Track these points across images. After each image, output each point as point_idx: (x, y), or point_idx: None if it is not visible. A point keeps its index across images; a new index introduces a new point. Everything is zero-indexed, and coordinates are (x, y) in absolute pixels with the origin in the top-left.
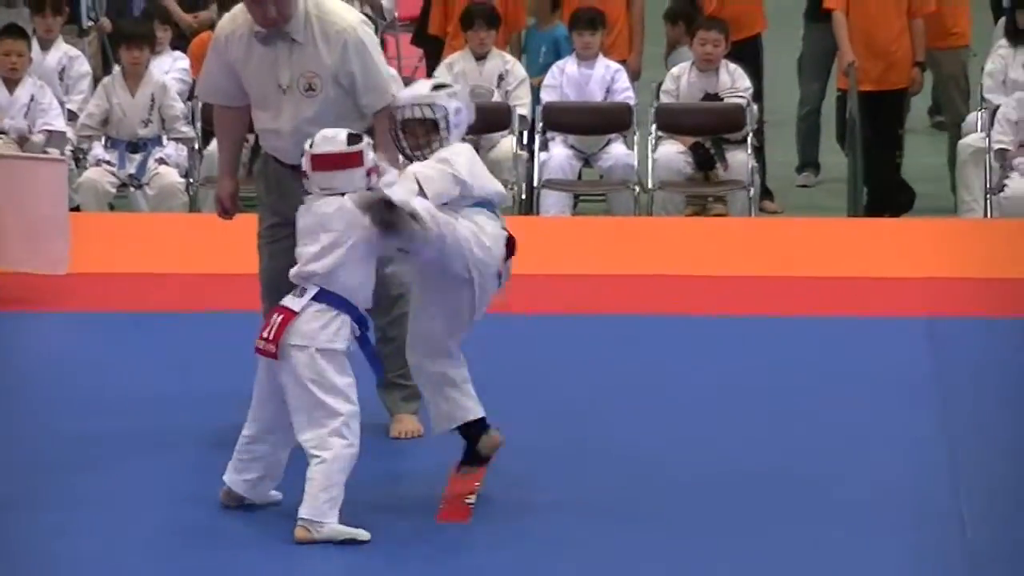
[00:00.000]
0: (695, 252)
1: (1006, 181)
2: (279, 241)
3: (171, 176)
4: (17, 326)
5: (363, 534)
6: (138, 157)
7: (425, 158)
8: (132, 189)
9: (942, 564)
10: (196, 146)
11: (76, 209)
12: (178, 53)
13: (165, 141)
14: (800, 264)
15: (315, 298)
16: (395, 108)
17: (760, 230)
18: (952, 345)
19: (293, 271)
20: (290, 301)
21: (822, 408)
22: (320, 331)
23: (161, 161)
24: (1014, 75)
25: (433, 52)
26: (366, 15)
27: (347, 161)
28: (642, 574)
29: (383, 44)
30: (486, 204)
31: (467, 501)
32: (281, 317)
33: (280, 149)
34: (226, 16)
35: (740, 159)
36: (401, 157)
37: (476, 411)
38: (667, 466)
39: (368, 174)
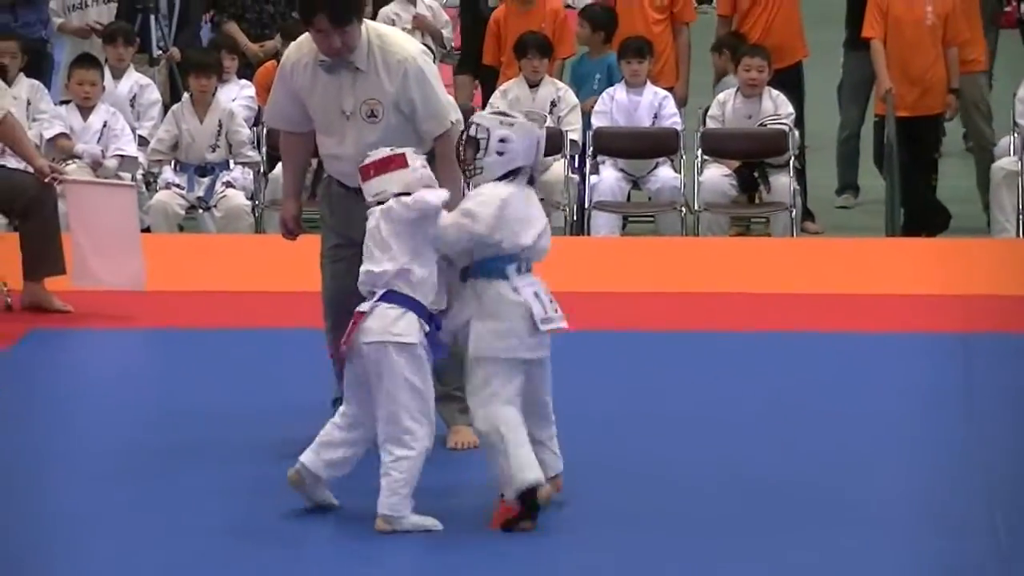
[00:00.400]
0: (739, 271)
1: None
2: (341, 261)
3: (238, 199)
4: (92, 341)
5: (437, 524)
6: (206, 181)
7: (470, 175)
8: (200, 211)
9: (976, 574)
10: (261, 170)
11: (147, 231)
12: (244, 81)
13: (232, 165)
14: (839, 282)
15: (383, 298)
16: (466, 126)
17: (801, 249)
18: (987, 361)
19: (360, 280)
20: (362, 305)
21: (860, 422)
22: (391, 325)
23: (228, 184)
24: None
25: (487, 81)
26: (426, 45)
27: (390, 164)
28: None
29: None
30: (510, 259)
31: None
32: (354, 322)
33: (343, 173)
34: (292, 45)
35: (783, 182)
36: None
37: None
38: (702, 478)
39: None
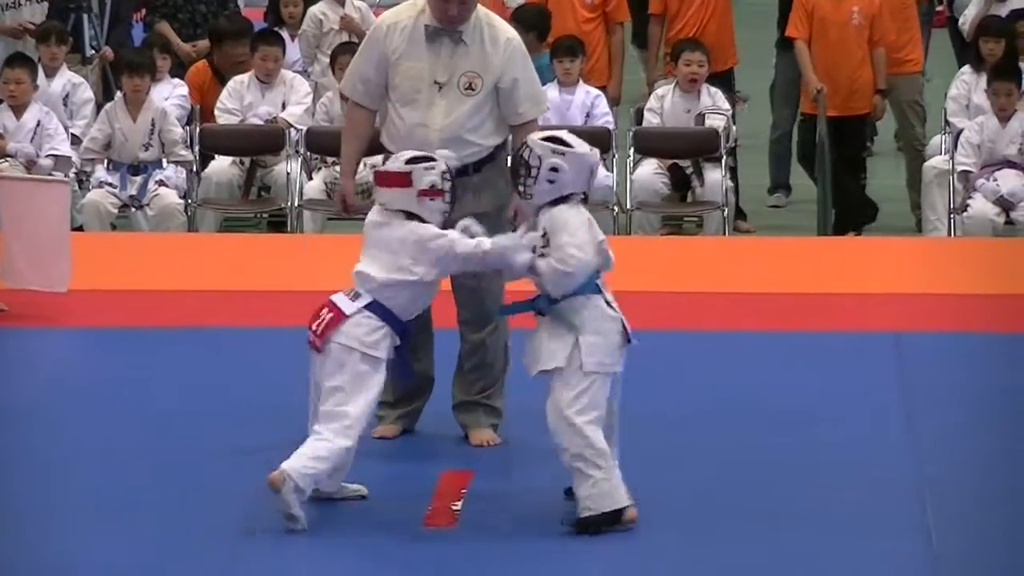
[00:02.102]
0: (671, 270)
1: (969, 202)
2: None
3: (170, 197)
4: (20, 341)
5: (296, 520)
6: (139, 179)
7: (521, 196)
8: (133, 210)
9: (908, 572)
10: (194, 169)
11: (79, 229)
12: (177, 80)
13: (165, 164)
14: (771, 281)
15: (368, 307)
16: (520, 146)
17: (734, 248)
18: (919, 360)
19: (355, 271)
20: (342, 301)
21: (791, 421)
22: (365, 336)
23: (161, 183)
24: (977, 100)
25: None
26: (355, 43)
27: (395, 180)
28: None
29: None
30: (597, 273)
31: (454, 507)
32: (331, 316)
33: (421, 146)
34: (389, 11)
35: (715, 179)
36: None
37: None
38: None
39: (420, 196)
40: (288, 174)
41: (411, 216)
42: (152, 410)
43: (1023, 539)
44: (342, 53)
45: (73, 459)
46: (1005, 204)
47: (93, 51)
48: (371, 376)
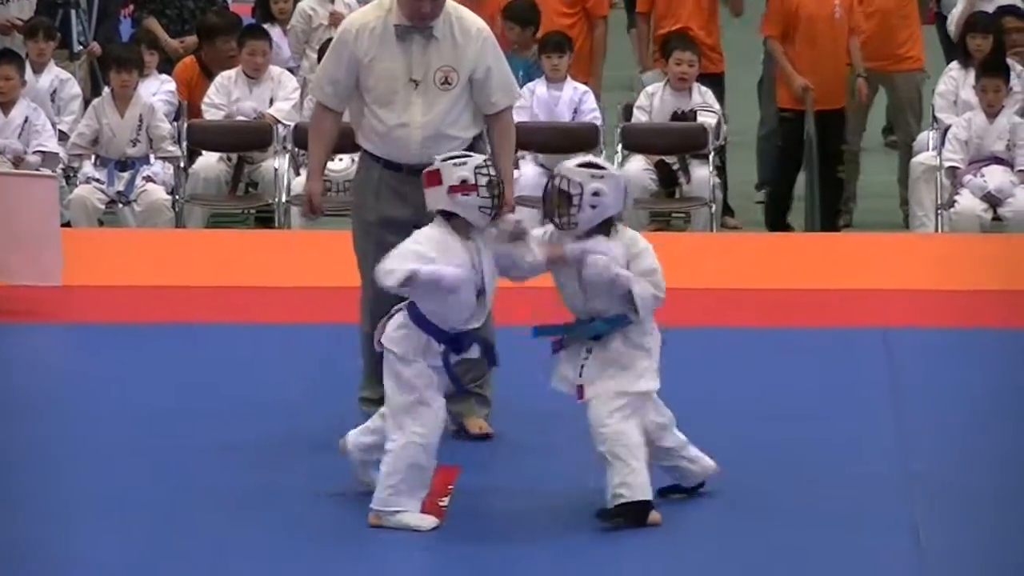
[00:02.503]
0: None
1: (956, 198)
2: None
3: (158, 193)
4: (6, 337)
5: (428, 523)
6: (126, 175)
7: (563, 227)
8: (120, 206)
9: (894, 569)
10: (182, 164)
11: (67, 225)
12: (165, 76)
13: (152, 160)
14: (758, 277)
15: (407, 309)
16: (553, 174)
17: (721, 244)
18: (908, 356)
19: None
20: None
21: (778, 416)
22: (398, 340)
23: (148, 179)
24: (965, 96)
25: None
26: None
27: (428, 180)
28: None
29: None
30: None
31: (441, 503)
32: (388, 317)
33: (403, 149)
34: (355, 13)
35: (703, 176)
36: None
37: None
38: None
39: (451, 192)
40: (276, 170)
41: (449, 216)
42: (139, 406)
43: (1009, 536)
44: None
45: (61, 455)
46: (992, 200)
47: (81, 47)
48: (401, 376)
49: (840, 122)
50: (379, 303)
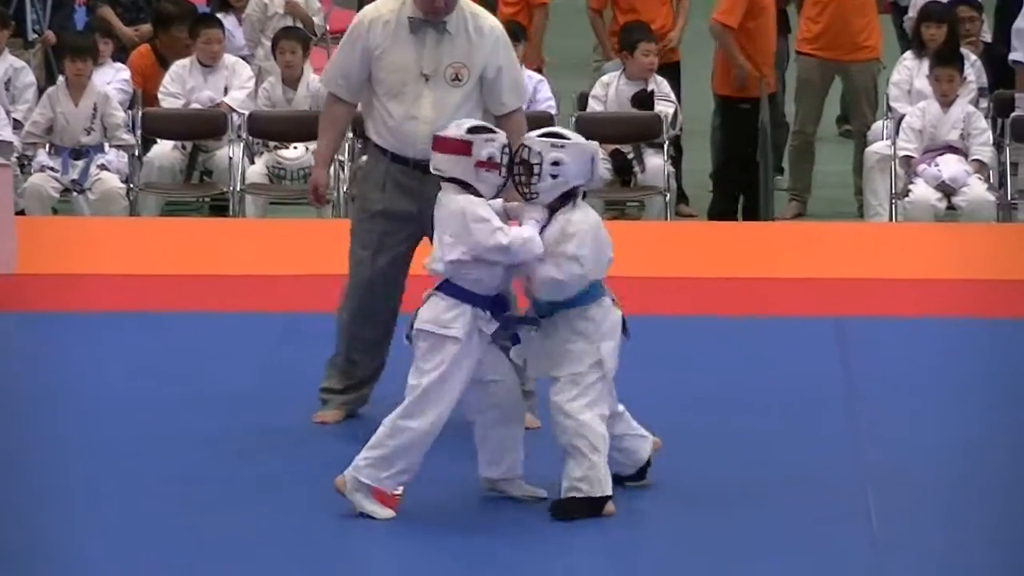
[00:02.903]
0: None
1: (910, 187)
2: (399, 245)
3: (112, 182)
4: None
5: (380, 513)
6: (81, 163)
7: (527, 197)
8: (75, 194)
9: (848, 557)
10: (136, 153)
11: (21, 213)
12: (119, 65)
13: (107, 148)
14: (712, 266)
15: (439, 288)
16: (517, 148)
17: (676, 233)
18: (861, 345)
19: (428, 261)
20: (426, 293)
21: (730, 405)
22: (437, 316)
23: (103, 167)
24: (919, 85)
25: None
26: (296, 29)
27: (454, 147)
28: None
29: (313, 58)
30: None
31: (396, 492)
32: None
33: (411, 140)
34: (369, 6)
35: (657, 164)
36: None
37: None
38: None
39: (477, 167)
40: (230, 158)
41: (465, 186)
42: (93, 394)
43: (962, 524)
44: (284, 38)
45: (14, 444)
46: (947, 189)
47: (35, 35)
48: (444, 358)
49: (777, 107)
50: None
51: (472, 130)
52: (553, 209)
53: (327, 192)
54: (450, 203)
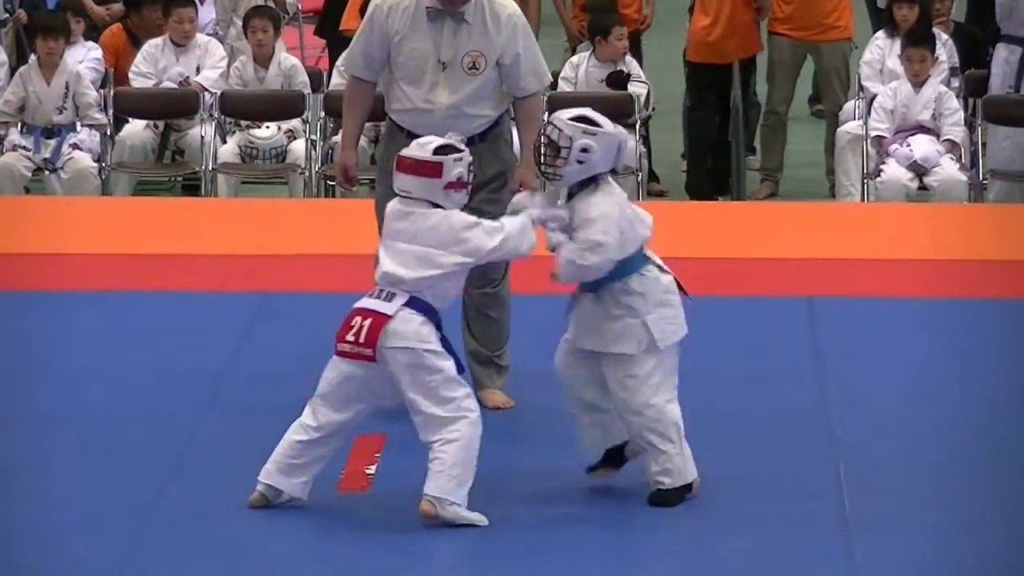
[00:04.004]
0: None
1: (882, 167)
2: None
3: (84, 161)
4: None
5: (482, 519)
6: (53, 142)
7: (548, 177)
8: (47, 173)
9: (821, 536)
10: (108, 132)
11: None
12: (91, 44)
13: (79, 127)
14: (683, 246)
15: (407, 304)
16: (545, 124)
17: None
18: (832, 324)
19: (381, 271)
20: (377, 304)
21: (704, 385)
22: (418, 332)
23: (75, 146)
24: (891, 65)
25: (337, 44)
26: (268, 7)
27: (423, 169)
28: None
29: (285, 36)
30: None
31: (368, 471)
32: (370, 321)
33: (426, 125)
34: None
35: (629, 145)
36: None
37: None
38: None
39: (447, 188)
40: (202, 138)
41: (434, 206)
42: (65, 373)
43: (934, 503)
44: (255, 16)
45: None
46: (918, 169)
47: (7, 14)
48: (444, 362)
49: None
50: None
51: (439, 150)
52: (571, 193)
53: (356, 173)
54: (424, 219)
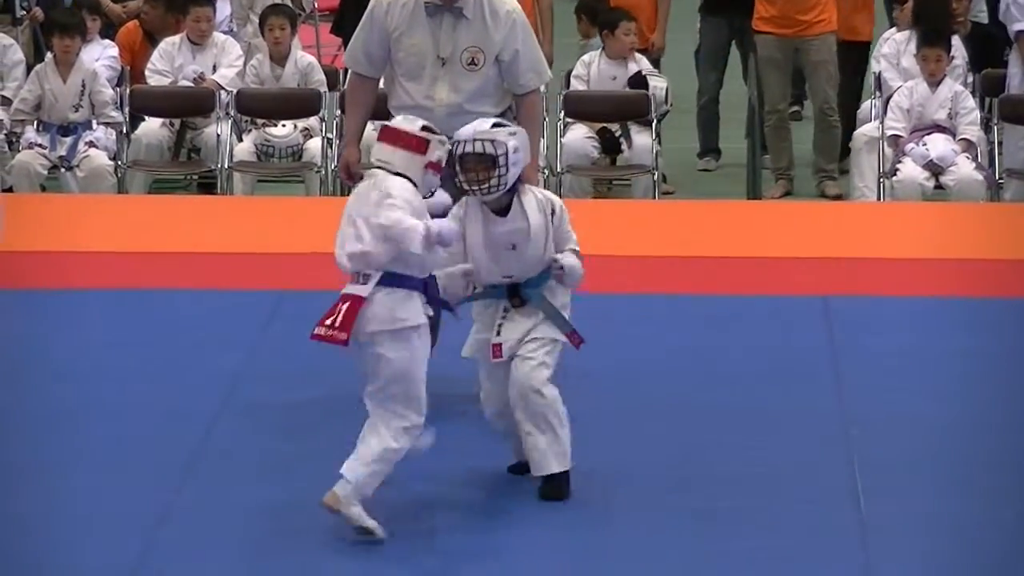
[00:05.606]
0: (602, 233)
1: (898, 166)
2: None
3: (100, 159)
4: None
5: (379, 531)
6: (69, 140)
7: (481, 193)
8: (63, 171)
9: (836, 537)
10: (124, 130)
11: (9, 190)
12: (107, 41)
13: (95, 125)
14: (700, 244)
15: (381, 283)
16: (454, 143)
17: (664, 212)
18: (848, 324)
19: (348, 250)
20: (355, 289)
21: (719, 384)
22: (391, 313)
23: (91, 144)
24: (906, 64)
25: None
26: (285, 5)
27: (411, 143)
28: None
29: (301, 34)
30: None
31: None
32: (347, 304)
33: (427, 119)
34: None
35: (644, 143)
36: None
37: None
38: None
39: (427, 167)
40: (218, 136)
41: (402, 178)
42: (80, 370)
43: (950, 502)
44: (272, 14)
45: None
46: (934, 168)
47: (23, 12)
48: (414, 346)
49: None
50: None
51: (425, 128)
52: (501, 207)
53: (359, 169)
54: (383, 180)
